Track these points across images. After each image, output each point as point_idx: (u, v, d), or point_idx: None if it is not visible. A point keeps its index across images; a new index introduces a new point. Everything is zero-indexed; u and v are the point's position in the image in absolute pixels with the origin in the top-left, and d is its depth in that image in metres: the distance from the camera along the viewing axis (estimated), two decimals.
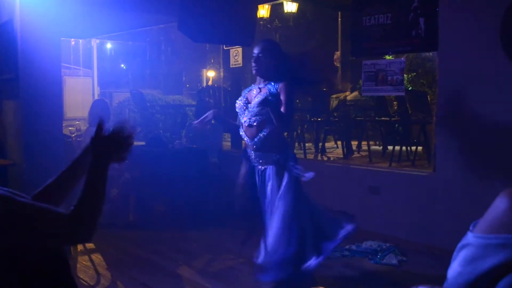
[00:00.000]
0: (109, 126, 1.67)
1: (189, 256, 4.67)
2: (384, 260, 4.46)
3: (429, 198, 4.81)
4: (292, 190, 3.63)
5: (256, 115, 3.57)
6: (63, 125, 6.50)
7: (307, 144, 7.88)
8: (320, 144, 7.71)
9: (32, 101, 4.85)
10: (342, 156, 7.32)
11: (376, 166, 6.04)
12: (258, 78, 3.70)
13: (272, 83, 3.58)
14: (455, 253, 1.04)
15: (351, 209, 5.44)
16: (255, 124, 3.58)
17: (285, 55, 3.72)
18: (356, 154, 7.74)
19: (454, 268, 1.02)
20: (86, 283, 4.00)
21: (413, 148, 6.61)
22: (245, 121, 3.64)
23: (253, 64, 3.66)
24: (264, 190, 3.65)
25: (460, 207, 4.41)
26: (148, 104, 11.07)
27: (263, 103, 3.49)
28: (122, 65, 16.49)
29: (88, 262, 4.47)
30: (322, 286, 3.92)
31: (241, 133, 3.71)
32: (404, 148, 6.72)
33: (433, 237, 4.64)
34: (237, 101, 3.75)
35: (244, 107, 3.65)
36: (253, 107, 3.58)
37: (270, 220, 3.63)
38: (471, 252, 0.99)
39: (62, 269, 1.72)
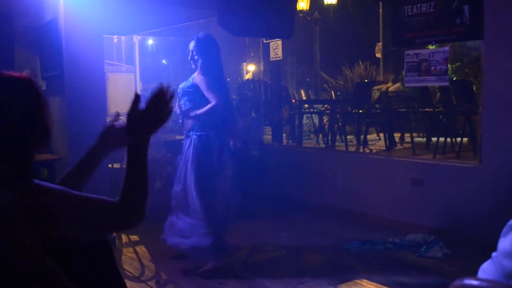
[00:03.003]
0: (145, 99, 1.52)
1: (232, 248, 4.69)
2: (428, 253, 4.38)
3: (474, 190, 4.70)
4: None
5: (185, 101, 4.17)
6: (107, 120, 6.63)
7: (348, 137, 7.80)
8: (362, 136, 7.62)
9: (77, 97, 4.96)
10: (384, 148, 7.21)
11: (419, 158, 5.93)
12: (196, 68, 4.22)
13: (202, 74, 4.13)
14: (505, 229, 1.00)
15: (394, 201, 5.39)
16: (186, 108, 4.17)
17: (213, 49, 4.21)
18: (399, 146, 7.61)
19: (504, 246, 0.98)
20: (131, 274, 4.08)
21: (458, 139, 6.45)
22: (181, 104, 4.20)
23: (190, 60, 4.23)
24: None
25: (506, 199, 4.28)
26: None
27: (188, 92, 4.17)
28: (163, 61, 16.69)
29: (132, 254, 4.56)
30: (365, 279, 3.88)
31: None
32: (448, 139, 6.57)
33: (478, 229, 4.52)
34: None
35: (180, 93, 4.19)
36: (183, 94, 4.20)
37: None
38: None
39: (107, 261, 1.75)
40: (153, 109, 1.51)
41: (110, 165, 5.68)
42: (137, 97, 1.52)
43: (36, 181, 1.44)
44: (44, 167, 5.11)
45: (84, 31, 5.02)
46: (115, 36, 12.54)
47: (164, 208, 5.80)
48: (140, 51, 13.01)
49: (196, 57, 4.15)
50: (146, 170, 1.51)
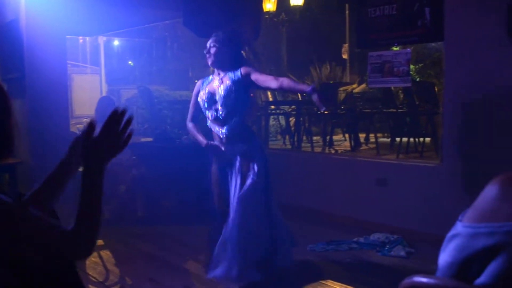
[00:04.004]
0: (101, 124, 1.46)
1: (197, 250, 4.68)
2: (392, 252, 4.45)
3: (436, 189, 4.79)
4: (262, 182, 3.56)
5: (223, 105, 3.53)
6: (71, 122, 6.54)
7: (314, 138, 7.86)
8: (328, 137, 7.70)
9: (39, 99, 4.88)
10: (350, 148, 7.30)
11: (383, 158, 6.02)
12: (216, 69, 3.67)
13: (233, 71, 3.55)
14: (444, 243, 1.03)
15: (359, 201, 5.46)
16: (222, 115, 3.55)
17: (239, 43, 3.69)
18: (364, 147, 7.71)
19: (445, 258, 1.01)
20: (95, 279, 4.03)
21: (421, 139, 6.57)
22: (211, 114, 3.60)
23: (209, 58, 3.63)
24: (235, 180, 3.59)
25: (467, 197, 4.38)
26: (156, 100, 11.08)
27: (228, 94, 3.49)
28: (130, 62, 16.53)
29: (97, 258, 4.50)
30: (330, 279, 3.92)
31: (209, 125, 3.66)
32: (412, 139, 6.69)
33: (440, 228, 4.60)
34: (200, 94, 3.66)
35: (210, 100, 3.59)
36: (219, 99, 3.53)
37: (237, 214, 3.53)
38: (461, 242, 0.99)
39: (67, 267, 1.72)
40: (108, 136, 1.45)
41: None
42: (91, 125, 1.45)
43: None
44: (5, 171, 5.01)
45: (46, 32, 4.94)
46: (80, 37, 12.37)
47: (128, 211, 5.77)
48: (105, 52, 12.84)
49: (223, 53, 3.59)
50: (101, 198, 1.43)
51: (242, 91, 3.54)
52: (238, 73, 3.54)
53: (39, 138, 4.83)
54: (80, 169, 1.56)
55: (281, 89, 3.76)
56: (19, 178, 5.01)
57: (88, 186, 1.43)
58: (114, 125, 1.45)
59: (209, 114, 3.62)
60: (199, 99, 3.67)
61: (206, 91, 3.63)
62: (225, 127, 3.56)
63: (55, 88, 5.01)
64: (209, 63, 3.66)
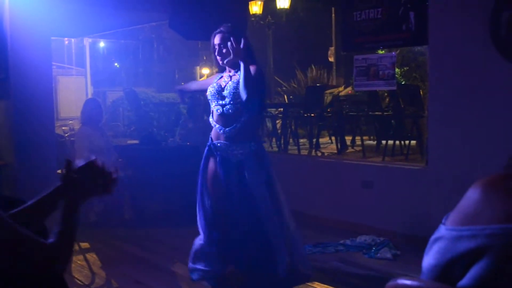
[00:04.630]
0: (80, 163, 1.60)
1: (184, 253, 4.64)
2: (378, 254, 4.48)
3: (421, 191, 4.83)
4: (276, 184, 3.56)
5: (230, 103, 3.42)
6: (57, 124, 6.49)
7: (301, 140, 7.88)
8: (314, 139, 7.72)
9: (23, 101, 4.84)
10: (336, 151, 7.33)
11: (369, 161, 6.06)
12: (226, 67, 3.55)
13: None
14: (428, 246, 1.04)
15: (345, 203, 5.48)
16: (230, 112, 3.43)
17: (247, 40, 3.49)
18: (350, 149, 7.74)
19: (428, 261, 1.03)
20: (81, 283, 4.00)
21: (407, 142, 6.62)
22: (217, 109, 3.47)
23: (218, 57, 3.52)
24: (243, 182, 3.47)
25: (452, 200, 4.41)
26: (142, 102, 11.03)
27: (237, 92, 3.37)
28: (116, 64, 16.45)
29: (83, 262, 4.47)
30: (316, 281, 3.93)
31: (211, 122, 3.55)
32: (397, 142, 6.73)
33: (426, 230, 4.63)
34: (209, 87, 3.55)
35: (217, 95, 3.48)
36: (228, 95, 3.43)
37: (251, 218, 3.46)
38: (444, 245, 1.00)
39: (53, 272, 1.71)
40: (87, 179, 1.59)
41: (59, 171, 5.56)
42: (69, 163, 1.60)
43: None
44: None
45: (31, 33, 4.90)
46: (66, 38, 12.29)
47: (114, 214, 5.74)
48: (91, 54, 12.78)
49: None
50: (77, 221, 1.55)
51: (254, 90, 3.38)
52: None
53: (23, 140, 4.78)
54: None
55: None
56: (3, 180, 4.97)
57: (67, 212, 1.55)
58: (91, 171, 1.60)
59: (215, 108, 3.49)
60: (207, 92, 3.55)
61: (216, 85, 3.52)
62: (230, 126, 3.43)
63: (40, 89, 4.97)
64: (220, 63, 3.53)
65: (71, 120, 8.85)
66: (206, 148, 3.58)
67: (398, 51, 6.62)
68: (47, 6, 4.92)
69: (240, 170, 3.46)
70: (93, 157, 1.62)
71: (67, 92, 10.94)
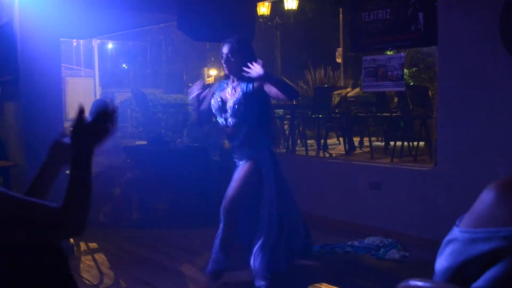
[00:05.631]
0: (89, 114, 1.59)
1: (192, 254, 4.68)
2: (386, 256, 4.46)
3: (430, 193, 4.81)
4: (273, 187, 3.69)
5: (231, 116, 3.61)
6: (66, 125, 6.51)
7: (309, 141, 7.87)
8: (322, 140, 7.71)
9: (33, 102, 4.86)
10: (344, 152, 7.32)
11: (377, 162, 6.04)
12: (231, 76, 3.69)
13: (246, 82, 3.59)
14: (441, 247, 1.04)
15: (353, 205, 5.47)
16: (232, 124, 3.63)
17: (253, 51, 3.70)
18: (358, 150, 7.73)
19: (442, 263, 1.02)
20: (89, 283, 4.01)
21: (415, 143, 6.60)
22: (221, 122, 3.69)
23: (224, 65, 3.68)
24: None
25: (460, 201, 4.41)
26: (150, 103, 11.08)
27: (238, 106, 3.57)
28: (124, 65, 16.52)
29: (91, 262, 4.49)
30: (325, 282, 3.92)
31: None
32: (406, 143, 6.71)
33: (435, 232, 4.63)
34: (212, 101, 3.73)
35: (220, 109, 3.67)
36: (229, 109, 3.61)
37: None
38: (458, 247, 1.00)
39: (61, 268, 1.72)
40: (97, 121, 1.57)
41: (67, 172, 5.60)
42: (81, 109, 1.58)
43: None
44: None
45: (41, 34, 4.92)
46: (74, 40, 12.35)
47: (123, 215, 5.76)
48: (99, 55, 12.85)
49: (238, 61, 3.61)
50: (90, 181, 1.51)
51: (254, 103, 3.59)
52: (251, 85, 3.59)
53: (33, 141, 4.80)
54: (65, 171, 1.66)
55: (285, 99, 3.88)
56: (12, 181, 4.99)
57: (78, 169, 1.52)
58: (103, 116, 1.58)
59: (219, 120, 3.72)
60: (211, 104, 3.74)
61: (219, 99, 3.70)
62: (235, 139, 3.67)
63: (50, 91, 4.99)
64: (226, 72, 3.71)
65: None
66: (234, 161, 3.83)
67: (406, 52, 6.59)
68: (56, 7, 4.95)
69: (257, 165, 3.67)
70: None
71: (75, 93, 11.00)
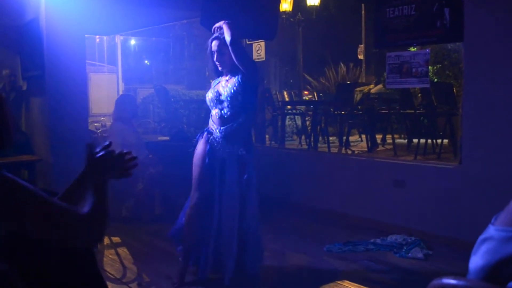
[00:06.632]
0: (100, 148, 1.83)
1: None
2: (409, 254, 4.42)
3: (455, 191, 4.75)
4: (253, 189, 3.73)
5: (228, 106, 3.67)
6: (89, 121, 6.59)
7: (331, 138, 7.83)
8: (344, 137, 7.66)
9: (58, 97, 4.93)
10: (366, 149, 7.26)
11: (401, 159, 5.98)
12: (225, 70, 3.76)
13: (238, 74, 3.66)
14: (476, 246, 1.02)
15: (376, 202, 5.43)
16: (228, 114, 3.68)
17: (241, 45, 3.79)
18: (380, 148, 7.66)
19: (476, 261, 1.01)
20: (112, 276, 4.05)
21: (439, 141, 6.52)
22: (216, 113, 3.72)
23: (217, 63, 3.74)
24: (223, 181, 3.72)
25: (486, 200, 4.34)
26: (172, 99, 11.13)
27: (233, 96, 3.62)
28: (146, 61, 16.62)
29: (114, 256, 4.53)
30: (346, 280, 3.91)
31: (210, 124, 3.78)
32: (429, 141, 6.63)
33: (458, 230, 4.58)
34: (208, 93, 3.81)
35: (216, 100, 3.72)
36: (225, 99, 3.66)
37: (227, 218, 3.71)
38: (493, 245, 0.98)
39: (88, 262, 1.75)
40: (107, 161, 1.81)
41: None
42: (91, 146, 1.83)
43: (4, 172, 1.44)
44: (24, 168, 5.07)
45: (66, 31, 4.98)
46: (97, 36, 12.47)
47: (146, 209, 5.80)
48: (122, 52, 12.94)
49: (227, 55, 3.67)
50: (107, 197, 1.68)
51: (248, 93, 3.66)
52: (240, 76, 3.65)
53: (58, 136, 4.87)
54: None
55: None
56: (38, 175, 5.07)
57: (96, 188, 1.69)
58: (117, 157, 1.84)
59: (214, 112, 3.74)
60: (206, 98, 3.82)
61: (214, 91, 3.76)
62: (225, 126, 3.68)
63: (74, 86, 5.06)
64: (220, 68, 3.76)
65: (103, 117, 8.97)
66: (204, 133, 3.79)
67: (430, 48, 6.51)
68: (81, 4, 5.00)
69: (222, 165, 3.71)
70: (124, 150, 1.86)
71: (98, 89, 11.12)
